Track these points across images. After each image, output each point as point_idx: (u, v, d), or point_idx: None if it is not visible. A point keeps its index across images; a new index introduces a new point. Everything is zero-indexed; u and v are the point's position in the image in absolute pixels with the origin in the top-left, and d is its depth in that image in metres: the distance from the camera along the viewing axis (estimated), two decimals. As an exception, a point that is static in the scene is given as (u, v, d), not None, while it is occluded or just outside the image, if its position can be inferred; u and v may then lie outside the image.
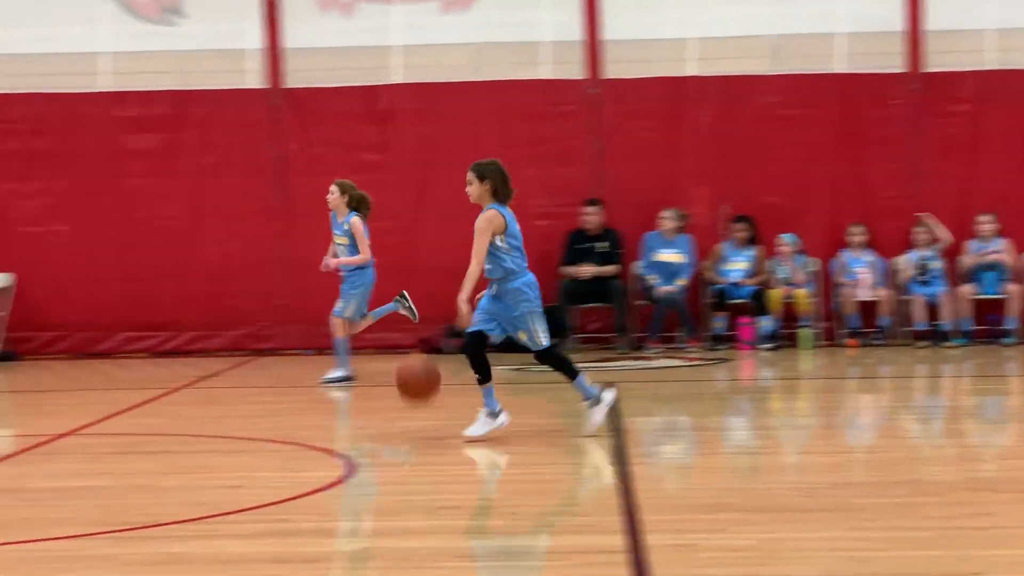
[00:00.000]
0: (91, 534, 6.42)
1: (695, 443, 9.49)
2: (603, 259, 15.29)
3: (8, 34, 16.02)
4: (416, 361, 9.17)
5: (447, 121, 15.78)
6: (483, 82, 15.79)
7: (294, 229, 15.77)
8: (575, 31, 15.74)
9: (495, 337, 8.90)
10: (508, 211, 8.84)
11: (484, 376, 8.82)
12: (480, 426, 8.87)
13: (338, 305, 12.49)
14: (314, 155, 15.79)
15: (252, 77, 15.93)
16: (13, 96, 15.96)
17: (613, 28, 15.72)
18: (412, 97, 15.84)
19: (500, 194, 8.76)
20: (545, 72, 15.86)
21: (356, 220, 12.24)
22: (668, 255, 15.25)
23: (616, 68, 15.71)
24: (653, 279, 15.18)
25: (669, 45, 15.75)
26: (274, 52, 15.85)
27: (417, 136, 15.78)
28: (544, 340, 8.84)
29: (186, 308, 15.78)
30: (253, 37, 15.88)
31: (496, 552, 5.83)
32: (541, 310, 8.90)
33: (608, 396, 9.00)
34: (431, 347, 15.34)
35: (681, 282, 15.12)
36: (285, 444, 9.03)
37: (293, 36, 15.86)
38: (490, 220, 8.71)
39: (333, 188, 12.39)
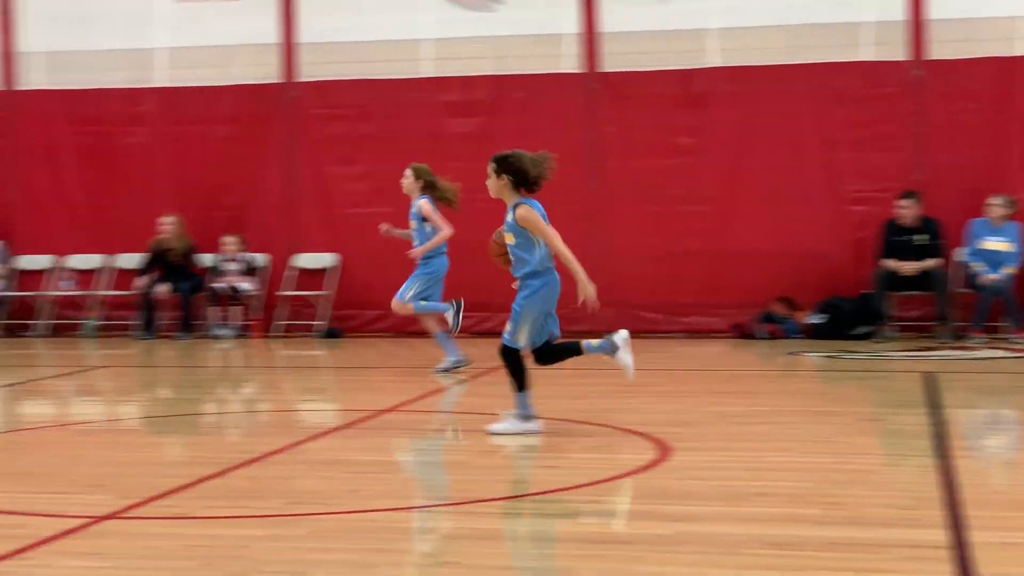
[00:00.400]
0: (413, 507, 6.61)
1: (1022, 438, 9.09)
2: (922, 251, 14.81)
3: (335, 23, 16.63)
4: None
5: (763, 105, 15.58)
6: (801, 64, 15.52)
7: (608, 213, 15.88)
8: (898, 11, 15.30)
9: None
10: (538, 204, 8.54)
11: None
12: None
13: (402, 289, 12.35)
14: (629, 139, 15.85)
15: (568, 61, 16.10)
16: (340, 83, 16.57)
17: (939, 7, 15.21)
18: (728, 80, 15.71)
19: (521, 187, 8.44)
20: (866, 54, 15.46)
21: (424, 203, 12.07)
22: (995, 243, 14.67)
23: (941, 49, 15.19)
24: (978, 267, 14.63)
25: (999, 23, 15.14)
26: (590, 36, 15.97)
27: (732, 120, 15.63)
28: (521, 342, 8.49)
29: (501, 289, 15.89)
30: (570, 22, 16.04)
31: (811, 542, 5.71)
32: (539, 317, 8.53)
33: (532, 425, 8.62)
34: (745, 333, 15.22)
35: (1008, 270, 14.53)
36: (599, 426, 9.08)
37: (610, 20, 15.93)
38: (531, 211, 8.37)
39: (407, 172, 12.30)
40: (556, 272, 8.66)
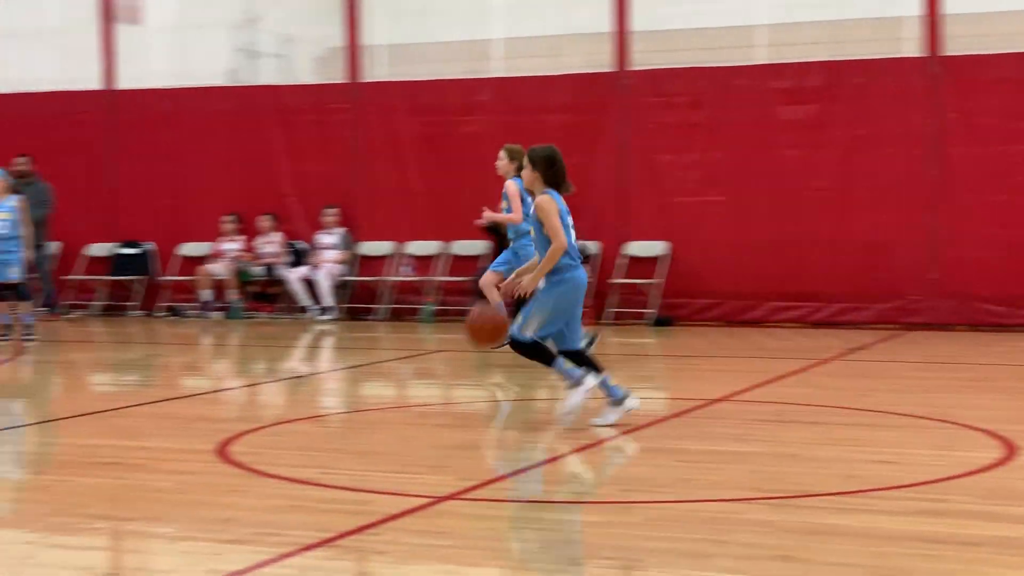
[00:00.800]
0: (746, 499, 6.53)
1: None
2: None
3: (668, 11, 16.64)
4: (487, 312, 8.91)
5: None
6: None
7: (948, 201, 15.37)
8: None
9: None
10: (561, 201, 8.46)
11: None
12: (571, 400, 8.58)
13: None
14: (972, 125, 15.28)
15: (909, 45, 15.62)
16: (672, 71, 16.55)
17: None
18: (1079, 63, 14.96)
19: (551, 182, 8.45)
20: None
21: (512, 184, 11.75)
22: None
23: None
24: None
25: None
26: (933, 19, 15.46)
27: (1086, 104, 14.88)
28: (528, 333, 8.44)
29: (835, 279, 15.77)
30: (911, 4, 15.57)
31: None
32: (555, 312, 8.43)
33: (589, 380, 8.55)
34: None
35: None
36: (938, 422, 8.79)
37: (953, 1, 15.37)
38: (548, 202, 8.34)
39: (502, 154, 11.92)
40: (581, 268, 8.58)
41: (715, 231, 16.30)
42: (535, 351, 8.62)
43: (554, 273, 8.47)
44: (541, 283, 8.55)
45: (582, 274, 8.59)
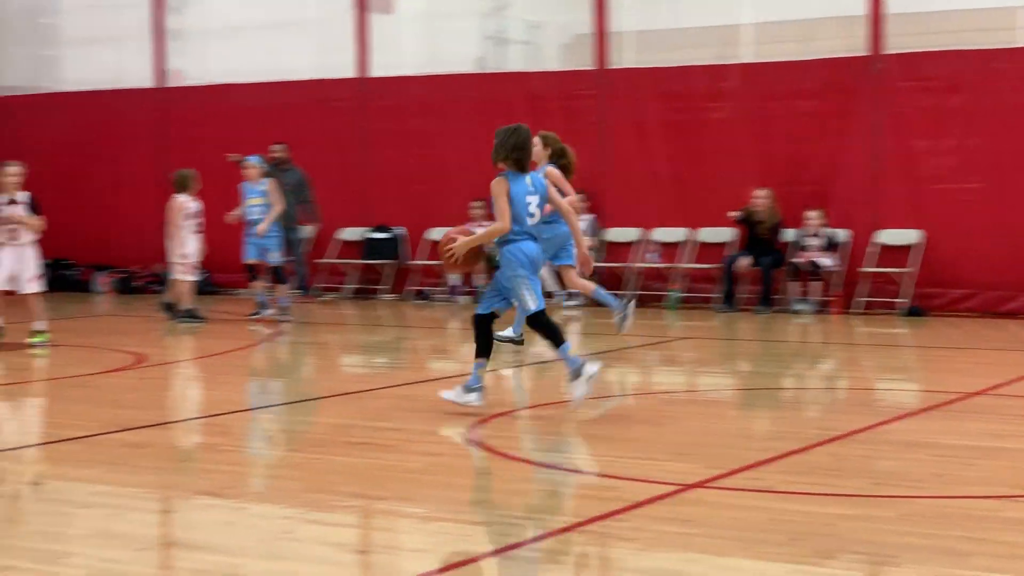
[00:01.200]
0: (1005, 496, 6.31)
1: None
2: None
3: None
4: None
5: None
6: None
7: None
8: None
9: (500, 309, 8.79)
10: (519, 178, 8.59)
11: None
12: (455, 394, 8.77)
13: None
14: None
15: None
16: (929, 54, 16.09)
17: None
18: None
19: (511, 162, 8.62)
20: None
21: (552, 168, 11.46)
22: None
23: None
24: None
25: None
26: None
27: None
28: (532, 305, 8.59)
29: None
30: None
31: None
32: (529, 277, 8.59)
33: (591, 368, 8.66)
34: None
35: None
36: None
37: None
38: (497, 184, 8.56)
39: (536, 140, 11.30)
40: (527, 238, 8.61)
41: (972, 219, 15.77)
42: (547, 327, 8.66)
43: (504, 245, 8.60)
44: (501, 264, 8.64)
45: (525, 242, 8.62)
